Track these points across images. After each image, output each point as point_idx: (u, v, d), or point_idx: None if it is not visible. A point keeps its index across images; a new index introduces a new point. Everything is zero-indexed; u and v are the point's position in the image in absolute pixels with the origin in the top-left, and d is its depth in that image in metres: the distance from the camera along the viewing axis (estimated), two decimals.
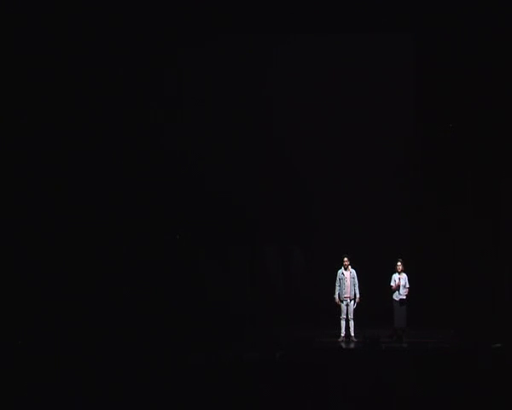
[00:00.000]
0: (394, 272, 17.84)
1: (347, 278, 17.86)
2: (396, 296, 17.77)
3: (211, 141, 19.87)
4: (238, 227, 19.96)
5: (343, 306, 17.86)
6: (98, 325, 17.23)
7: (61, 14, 18.15)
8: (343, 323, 17.85)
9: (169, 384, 10.00)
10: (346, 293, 17.88)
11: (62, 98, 18.44)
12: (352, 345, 17.45)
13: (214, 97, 19.81)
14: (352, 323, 17.82)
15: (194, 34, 19.30)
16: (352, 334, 17.80)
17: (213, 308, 19.05)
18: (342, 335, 17.82)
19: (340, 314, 17.88)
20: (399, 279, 17.76)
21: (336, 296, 17.88)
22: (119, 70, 18.85)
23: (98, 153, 18.71)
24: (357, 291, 17.87)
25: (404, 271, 17.88)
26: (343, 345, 17.48)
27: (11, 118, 18.09)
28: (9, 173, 18.06)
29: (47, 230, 18.07)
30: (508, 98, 18.23)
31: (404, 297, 17.75)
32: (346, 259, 17.86)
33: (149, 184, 19.20)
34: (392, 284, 17.79)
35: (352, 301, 17.90)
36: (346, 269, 17.91)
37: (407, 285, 17.80)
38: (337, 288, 17.89)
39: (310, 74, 20.02)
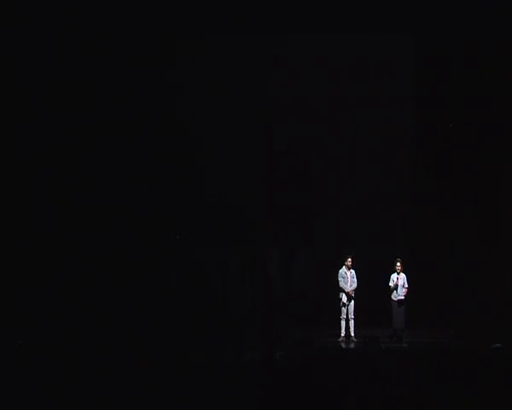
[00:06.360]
0: (393, 272, 17.89)
1: (349, 277, 17.96)
2: (394, 297, 17.81)
3: (211, 141, 19.87)
4: (238, 228, 19.96)
5: (343, 307, 17.93)
6: (98, 325, 17.23)
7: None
8: (343, 323, 17.90)
9: (169, 384, 10.00)
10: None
11: (59, 93, 18.39)
12: (352, 345, 17.47)
13: (215, 97, 19.79)
14: (352, 323, 17.88)
15: (194, 34, 19.30)
16: (352, 334, 17.84)
17: (214, 308, 19.06)
18: (342, 335, 17.85)
19: (340, 314, 17.93)
20: (397, 279, 17.82)
21: (344, 295, 17.90)
22: (117, 69, 18.82)
23: (97, 152, 18.69)
24: (354, 286, 17.93)
25: (402, 271, 17.92)
26: (343, 345, 17.50)
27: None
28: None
29: (46, 229, 18.06)
30: (508, 98, 18.22)
31: (403, 298, 17.78)
32: (349, 259, 17.98)
33: (149, 185, 19.18)
34: (391, 284, 17.83)
35: (353, 301, 17.96)
36: (348, 269, 18.02)
37: (406, 285, 17.83)
38: (343, 284, 17.92)
39: (310, 74, 20.02)
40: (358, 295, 18.01)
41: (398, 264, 17.89)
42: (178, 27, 19.01)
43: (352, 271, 18.05)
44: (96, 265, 18.31)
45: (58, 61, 18.31)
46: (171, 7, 18.56)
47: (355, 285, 17.94)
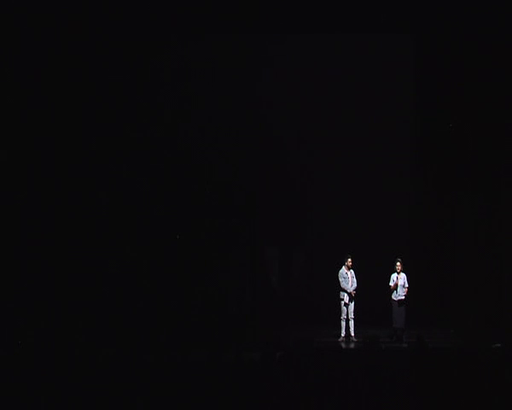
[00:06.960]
0: (393, 272, 17.89)
1: (349, 277, 17.97)
2: (395, 296, 17.81)
3: (211, 141, 19.87)
4: (238, 228, 19.96)
5: (343, 307, 17.92)
6: (98, 325, 17.24)
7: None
8: (343, 323, 17.88)
9: (169, 384, 10.00)
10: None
11: (59, 94, 18.36)
12: (352, 345, 17.47)
13: (214, 96, 19.79)
14: (352, 323, 17.87)
15: (190, 33, 19.29)
16: (352, 334, 17.83)
17: (213, 308, 19.06)
18: (342, 335, 17.84)
19: (341, 314, 17.92)
20: (397, 279, 17.82)
21: (346, 295, 17.86)
22: (117, 69, 18.79)
23: (98, 151, 18.66)
24: (355, 286, 17.92)
25: (403, 271, 17.93)
26: (343, 345, 17.50)
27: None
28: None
29: (47, 229, 18.04)
30: (508, 98, 18.22)
31: (403, 297, 17.78)
32: (349, 260, 17.97)
33: (150, 184, 19.17)
34: (391, 283, 17.83)
35: (353, 301, 17.96)
36: (348, 269, 18.03)
37: (406, 285, 17.83)
38: (344, 284, 17.88)
39: (310, 75, 20.04)
40: (358, 296, 18.01)
41: (398, 264, 17.89)
42: (177, 27, 19.00)
43: (352, 271, 18.06)
44: (96, 264, 18.30)
45: (57, 62, 18.28)
46: (169, 6, 18.54)
47: (355, 285, 17.95)
